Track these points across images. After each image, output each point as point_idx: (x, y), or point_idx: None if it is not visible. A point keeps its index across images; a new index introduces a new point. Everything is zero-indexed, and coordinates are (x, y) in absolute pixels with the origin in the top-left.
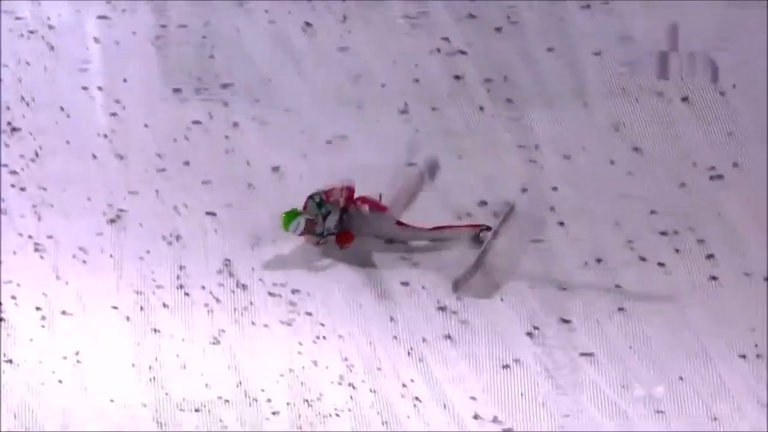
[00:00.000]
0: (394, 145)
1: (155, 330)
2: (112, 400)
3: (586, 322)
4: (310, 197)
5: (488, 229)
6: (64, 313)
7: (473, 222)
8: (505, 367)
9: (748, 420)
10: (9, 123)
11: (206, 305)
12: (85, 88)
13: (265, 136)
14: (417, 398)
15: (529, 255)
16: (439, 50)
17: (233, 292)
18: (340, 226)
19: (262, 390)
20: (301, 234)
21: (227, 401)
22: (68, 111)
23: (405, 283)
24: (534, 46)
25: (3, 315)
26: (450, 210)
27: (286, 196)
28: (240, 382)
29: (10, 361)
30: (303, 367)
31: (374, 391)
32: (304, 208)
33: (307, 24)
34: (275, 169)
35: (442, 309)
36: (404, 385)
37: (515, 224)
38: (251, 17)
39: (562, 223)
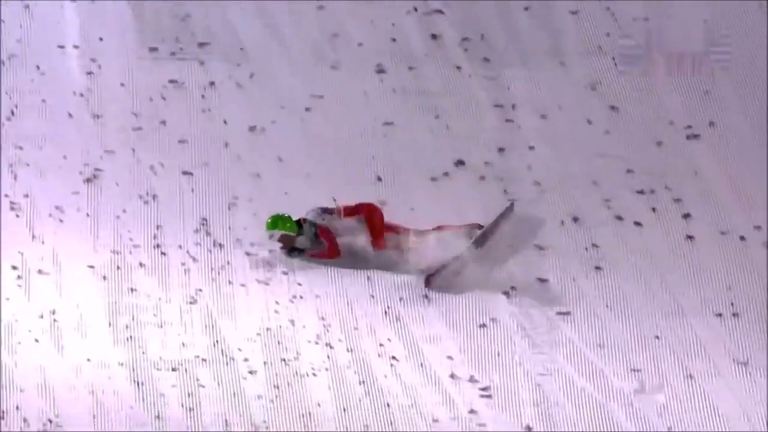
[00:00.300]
0: (371, 105)
1: (132, 289)
2: (88, 359)
3: (562, 280)
4: (309, 223)
5: (480, 227)
6: (40, 272)
7: (467, 223)
8: (482, 326)
9: (723, 378)
10: None
11: (183, 265)
12: (61, 47)
13: (242, 96)
14: (394, 357)
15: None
16: (416, 9)
17: (210, 251)
18: (316, 245)
19: (239, 349)
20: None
21: (204, 360)
22: (44, 70)
23: None
24: (511, 6)
25: None
26: (426, 171)
27: (263, 156)
28: (217, 342)
29: None
30: (280, 327)
31: (351, 351)
32: (304, 220)
33: None
34: (252, 128)
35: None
36: (381, 345)
37: (511, 223)
38: None
39: (538, 183)
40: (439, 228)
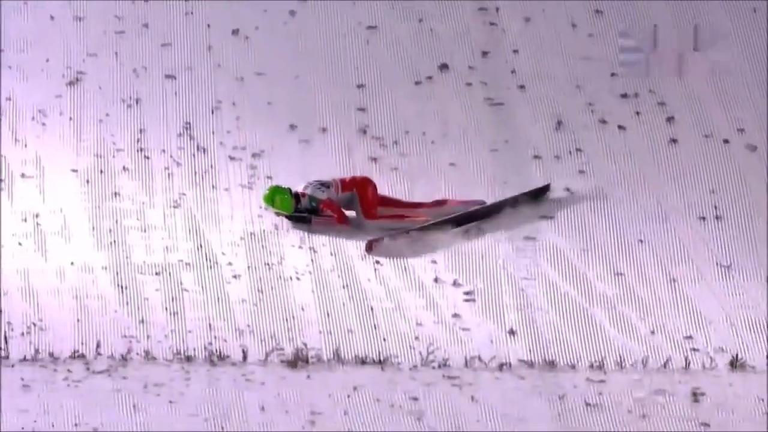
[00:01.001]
0: (354, 9)
1: (115, 194)
2: (72, 263)
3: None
4: (310, 198)
5: (484, 203)
6: (23, 176)
7: (469, 199)
8: (466, 230)
9: (706, 281)
10: None
11: (166, 169)
12: None
13: None
14: (377, 261)
15: (488, 118)
16: None
17: (193, 155)
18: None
19: (223, 253)
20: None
21: (188, 265)
22: None
23: (372, 158)
24: None
25: None
26: (411, 73)
27: (247, 61)
28: (201, 246)
29: None
30: (264, 231)
31: (334, 255)
32: (303, 195)
33: None
34: (235, 32)
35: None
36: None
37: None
38: None
39: (522, 87)
40: (441, 203)
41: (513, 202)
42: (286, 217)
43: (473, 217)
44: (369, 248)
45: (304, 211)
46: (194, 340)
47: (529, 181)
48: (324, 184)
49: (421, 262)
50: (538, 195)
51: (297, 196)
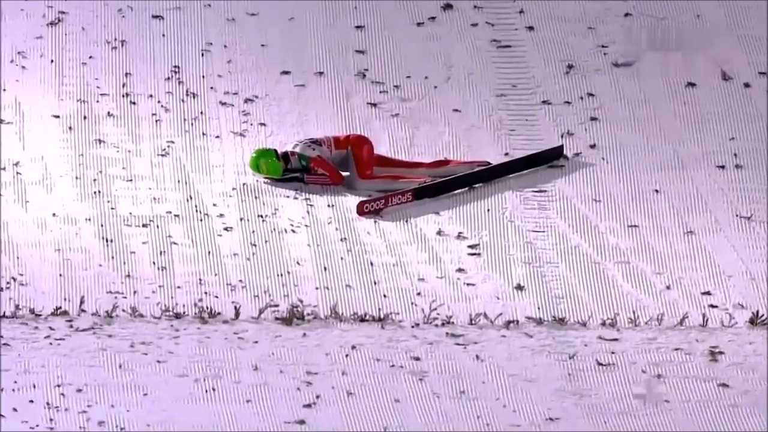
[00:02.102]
0: None
1: (99, 141)
2: (54, 215)
3: (556, 132)
4: (299, 157)
5: (488, 164)
6: (1, 121)
7: (473, 159)
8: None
9: (725, 233)
10: None
11: (154, 115)
12: None
13: None
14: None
15: (495, 61)
16: None
17: (182, 101)
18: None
19: (214, 205)
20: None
21: (177, 216)
22: None
23: (372, 104)
24: None
25: None
26: (413, 14)
27: (240, 0)
28: (190, 197)
29: None
30: (257, 181)
31: (332, 206)
32: (292, 154)
33: None
34: None
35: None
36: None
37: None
38: None
39: (531, 28)
40: (442, 163)
41: (524, 165)
42: (277, 180)
43: (477, 180)
44: (360, 211)
45: (295, 171)
46: (183, 296)
47: (538, 131)
48: (315, 142)
49: (423, 214)
50: (551, 159)
51: (286, 157)
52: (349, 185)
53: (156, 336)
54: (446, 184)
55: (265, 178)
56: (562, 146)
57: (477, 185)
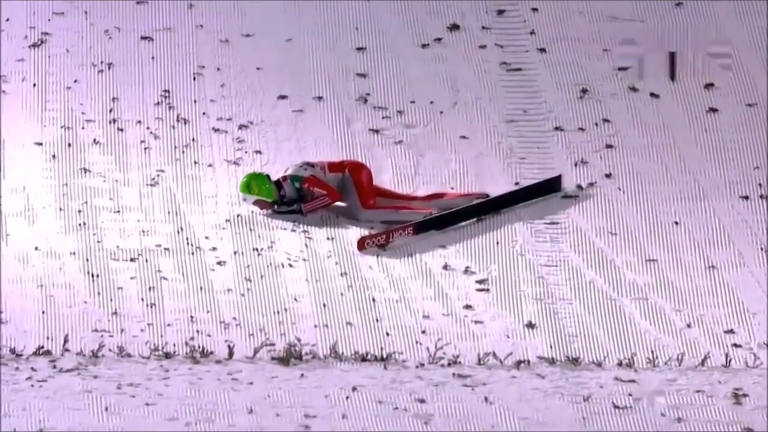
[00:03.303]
0: None
1: (85, 170)
2: (36, 248)
3: (569, 160)
4: (292, 180)
5: (487, 196)
6: None
7: (471, 191)
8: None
9: (749, 268)
10: None
11: (142, 142)
12: None
13: None
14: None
15: (504, 85)
16: None
17: (173, 127)
18: (299, 204)
19: (207, 237)
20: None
21: (167, 250)
22: None
23: (374, 130)
24: None
25: None
26: (418, 35)
27: (234, 21)
28: (181, 229)
29: None
30: (252, 213)
31: (332, 239)
32: (284, 179)
33: None
34: None
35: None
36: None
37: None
38: None
39: (543, 49)
40: (436, 196)
41: (522, 197)
42: (273, 210)
43: (476, 213)
44: (361, 246)
45: (290, 201)
46: (174, 334)
47: (550, 159)
48: (308, 164)
49: (428, 248)
50: (551, 189)
51: (279, 184)
52: (350, 215)
53: (144, 377)
54: (448, 217)
55: (258, 203)
56: (560, 176)
57: (480, 217)
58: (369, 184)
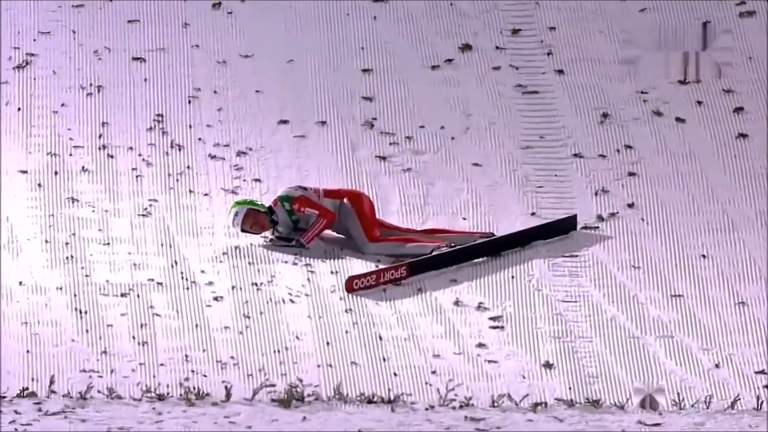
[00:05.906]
0: None
1: (73, 199)
2: (21, 283)
3: (589, 190)
4: (281, 201)
5: (492, 235)
6: None
7: (473, 229)
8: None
9: None
10: None
11: (134, 169)
12: None
13: None
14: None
15: (520, 108)
16: None
17: (166, 153)
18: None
19: (203, 271)
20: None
21: (160, 284)
22: None
23: (380, 157)
24: None
25: None
26: (428, 56)
27: (232, 41)
28: (175, 262)
29: None
30: (251, 245)
31: (336, 272)
32: (274, 204)
33: None
34: (216, 5)
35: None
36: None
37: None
38: None
39: (561, 71)
40: (435, 231)
41: (534, 237)
42: (272, 234)
43: (480, 253)
44: (349, 288)
45: (283, 230)
46: (167, 374)
47: (569, 188)
48: (300, 187)
49: (438, 282)
50: (565, 230)
51: (271, 210)
52: (355, 249)
53: (136, 420)
54: (446, 257)
55: (254, 226)
56: (575, 216)
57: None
58: (372, 215)
